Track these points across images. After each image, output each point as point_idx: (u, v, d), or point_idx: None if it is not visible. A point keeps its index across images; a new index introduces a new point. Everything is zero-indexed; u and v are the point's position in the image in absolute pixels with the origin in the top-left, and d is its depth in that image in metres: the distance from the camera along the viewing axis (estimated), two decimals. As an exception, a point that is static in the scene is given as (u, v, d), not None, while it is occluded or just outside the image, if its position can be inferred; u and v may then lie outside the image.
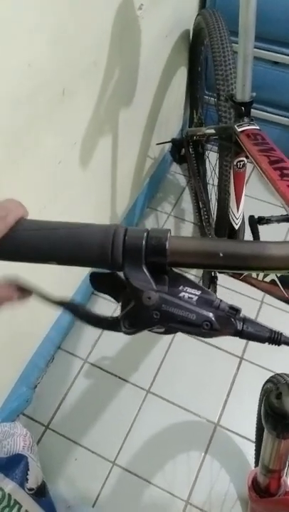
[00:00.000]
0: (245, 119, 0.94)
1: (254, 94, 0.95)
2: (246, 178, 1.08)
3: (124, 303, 0.37)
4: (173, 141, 1.49)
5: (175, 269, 0.38)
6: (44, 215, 0.99)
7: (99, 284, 0.40)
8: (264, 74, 1.53)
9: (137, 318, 0.36)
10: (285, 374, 0.71)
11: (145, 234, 0.36)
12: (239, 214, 1.14)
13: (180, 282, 0.37)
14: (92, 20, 0.93)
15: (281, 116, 1.64)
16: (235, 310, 0.38)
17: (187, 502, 1.18)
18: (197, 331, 0.36)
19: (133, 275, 0.36)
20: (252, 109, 1.64)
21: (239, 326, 0.37)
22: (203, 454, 1.24)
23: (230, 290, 1.40)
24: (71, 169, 1.07)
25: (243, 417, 1.25)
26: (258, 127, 0.92)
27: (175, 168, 1.87)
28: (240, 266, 0.36)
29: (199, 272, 1.50)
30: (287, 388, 0.54)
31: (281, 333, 0.39)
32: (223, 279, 1.37)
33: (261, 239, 1.22)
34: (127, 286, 0.36)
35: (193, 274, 1.56)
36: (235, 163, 1.02)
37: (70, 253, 0.36)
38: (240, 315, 0.38)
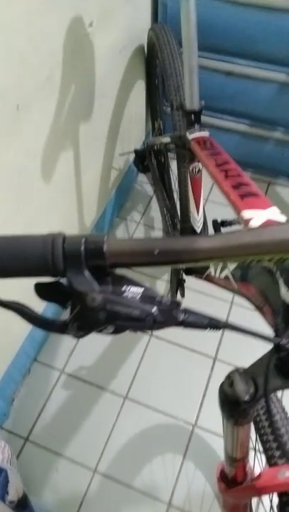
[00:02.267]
0: (196, 127, 0.99)
1: (203, 102, 1.00)
2: (207, 184, 1.12)
3: (72, 308, 0.39)
4: (136, 151, 1.53)
5: (118, 270, 0.39)
6: (5, 230, 1.02)
7: (45, 293, 0.40)
8: (219, 84, 1.60)
9: (85, 320, 0.38)
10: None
11: (83, 240, 0.38)
12: (199, 217, 1.18)
13: (123, 282, 0.39)
14: (42, 38, 0.96)
15: (238, 123, 1.70)
16: (177, 303, 0.40)
17: (169, 504, 1.20)
18: (142, 325, 0.38)
19: (76, 280, 0.37)
20: (212, 118, 1.71)
21: (180, 316, 0.40)
22: (182, 455, 1.27)
23: (200, 293, 1.44)
24: (33, 182, 1.10)
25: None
26: (207, 133, 0.96)
27: (142, 177, 1.91)
28: (174, 260, 0.39)
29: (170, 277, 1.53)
30: (237, 374, 0.56)
31: (219, 320, 0.41)
32: (192, 282, 1.41)
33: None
34: (71, 292, 0.38)
35: (165, 280, 1.60)
36: (190, 169, 1.06)
37: (12, 265, 0.37)
38: (181, 307, 0.41)
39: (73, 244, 0.38)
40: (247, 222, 0.60)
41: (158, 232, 1.75)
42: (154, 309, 0.38)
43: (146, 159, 1.49)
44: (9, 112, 0.91)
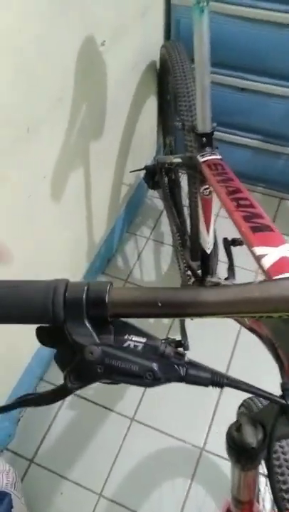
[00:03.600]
0: (207, 149, 0.97)
1: (215, 124, 0.98)
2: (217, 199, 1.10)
3: (70, 357, 0.37)
4: (146, 168, 1.51)
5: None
6: (15, 250, 1.01)
7: (46, 338, 0.39)
8: (233, 100, 1.58)
9: (82, 372, 0.37)
10: (249, 399, 0.72)
11: (86, 288, 0.36)
12: (210, 238, 1.16)
13: (126, 331, 0.38)
14: (55, 59, 0.96)
15: (251, 139, 1.68)
16: (180, 355, 0.38)
17: (176, 531, 1.17)
18: (141, 381, 0.37)
19: (75, 330, 0.36)
20: (225, 134, 1.69)
21: (182, 371, 0.38)
22: (189, 480, 1.24)
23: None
24: (42, 202, 1.09)
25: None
26: (219, 157, 0.94)
27: (152, 192, 1.89)
28: (177, 313, 0.37)
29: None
30: (246, 419, 0.54)
31: (224, 376, 0.39)
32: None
33: (235, 260, 1.24)
34: (71, 342, 0.36)
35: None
36: (201, 190, 1.04)
37: (11, 312, 0.36)
38: (185, 359, 0.39)
39: (75, 292, 0.36)
40: (259, 258, 0.58)
41: (168, 248, 1.73)
42: (155, 365, 0.37)
43: (157, 176, 1.48)
44: (19, 135, 0.91)
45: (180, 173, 1.58)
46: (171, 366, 0.37)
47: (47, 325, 0.38)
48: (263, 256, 0.58)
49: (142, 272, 1.67)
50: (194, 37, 0.87)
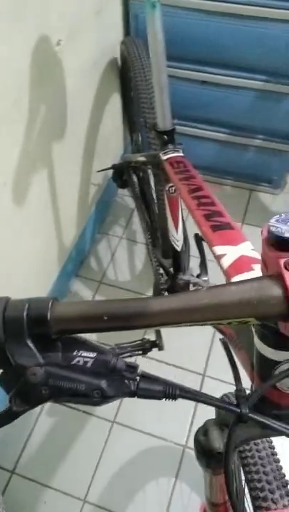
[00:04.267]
0: (170, 146, 0.95)
1: (175, 121, 0.97)
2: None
3: (15, 379, 0.36)
4: (114, 166, 1.49)
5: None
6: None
7: None
8: (194, 93, 1.57)
9: (27, 395, 0.35)
10: (231, 393, 0.71)
11: (26, 305, 0.35)
12: (179, 236, 1.15)
13: (75, 346, 0.37)
14: (7, 61, 0.93)
15: (217, 132, 1.67)
16: (133, 368, 0.38)
17: (162, 530, 1.17)
18: (89, 401, 0.36)
19: (17, 350, 0.35)
20: (190, 128, 1.68)
21: (133, 386, 0.37)
22: (173, 478, 1.23)
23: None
24: (2, 210, 1.06)
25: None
26: (181, 154, 0.93)
27: (123, 191, 1.87)
28: (124, 326, 0.36)
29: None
30: (212, 424, 0.54)
31: (177, 387, 0.38)
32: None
33: (207, 255, 1.23)
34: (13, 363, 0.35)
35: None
36: (167, 188, 1.03)
37: None
38: (137, 372, 0.38)
39: (15, 310, 0.35)
40: (219, 258, 0.57)
41: (141, 247, 1.72)
42: (103, 382, 0.35)
43: (125, 174, 1.46)
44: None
45: (148, 172, 1.56)
46: (121, 381, 0.36)
47: None
48: (222, 256, 0.57)
49: (116, 272, 1.65)
50: (148, 32, 0.86)
